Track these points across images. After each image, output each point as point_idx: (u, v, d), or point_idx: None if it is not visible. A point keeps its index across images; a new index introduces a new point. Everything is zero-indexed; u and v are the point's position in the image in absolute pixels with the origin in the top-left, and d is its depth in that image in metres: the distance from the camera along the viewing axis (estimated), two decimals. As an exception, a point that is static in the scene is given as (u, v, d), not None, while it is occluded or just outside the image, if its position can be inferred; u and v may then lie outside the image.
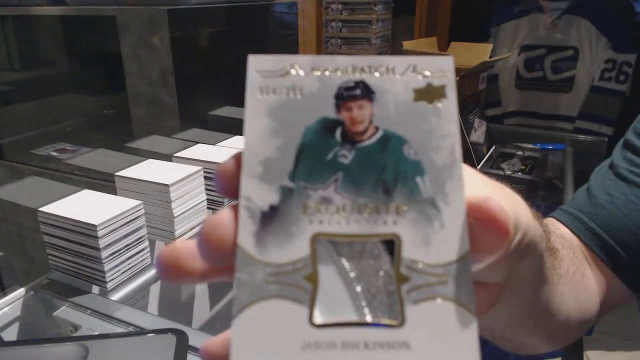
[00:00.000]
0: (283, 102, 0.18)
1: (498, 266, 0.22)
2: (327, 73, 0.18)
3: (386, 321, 0.16)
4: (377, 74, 0.18)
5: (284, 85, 0.18)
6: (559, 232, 0.43)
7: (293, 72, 0.18)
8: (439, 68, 0.18)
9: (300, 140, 0.17)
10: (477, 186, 0.21)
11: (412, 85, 0.18)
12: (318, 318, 0.16)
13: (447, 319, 0.16)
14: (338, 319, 0.16)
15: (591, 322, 0.43)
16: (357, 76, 0.18)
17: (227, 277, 0.17)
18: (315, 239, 0.16)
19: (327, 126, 0.17)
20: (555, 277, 0.33)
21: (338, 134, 0.17)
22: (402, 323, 0.16)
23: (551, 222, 0.45)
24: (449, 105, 0.18)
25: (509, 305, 0.28)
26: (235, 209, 0.17)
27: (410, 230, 0.16)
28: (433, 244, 0.16)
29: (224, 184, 0.18)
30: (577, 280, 0.39)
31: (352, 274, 0.16)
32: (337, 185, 0.17)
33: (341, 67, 0.18)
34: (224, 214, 0.17)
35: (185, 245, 0.17)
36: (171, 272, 0.17)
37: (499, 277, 0.24)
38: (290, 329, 0.15)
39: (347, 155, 0.17)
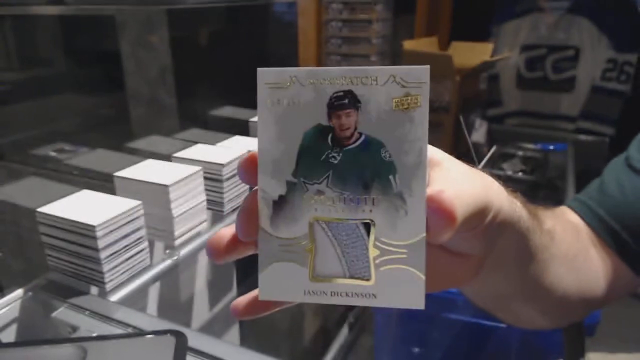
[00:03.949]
0: (286, 111, 0.22)
1: (475, 240, 0.27)
2: (321, 84, 0.22)
3: (361, 279, 0.22)
4: (362, 84, 0.22)
5: (286, 96, 0.22)
6: (566, 218, 0.46)
7: (294, 83, 0.22)
8: (416, 78, 0.21)
9: (300, 143, 0.22)
10: (456, 175, 0.25)
11: (392, 94, 0.21)
12: (314, 275, 0.22)
13: (403, 279, 0.21)
14: (328, 276, 0.22)
15: (597, 303, 0.45)
16: (346, 86, 0.22)
17: (254, 250, 0.24)
18: (312, 222, 0.22)
19: (321, 132, 0.22)
20: (546, 256, 0.36)
21: (329, 138, 0.22)
22: (371, 281, 0.22)
23: (561, 210, 0.48)
24: (421, 113, 0.21)
25: (494, 277, 0.32)
26: (256, 194, 0.22)
27: (382, 217, 0.22)
28: (398, 227, 0.21)
29: (245, 177, 0.23)
30: (579, 262, 0.41)
31: (339, 246, 0.22)
32: (328, 181, 0.22)
33: (333, 78, 0.22)
34: (252, 204, 0.22)
35: (226, 232, 0.24)
36: (219, 253, 0.24)
37: (477, 250, 0.28)
38: (296, 281, 0.22)
39: (336, 157, 0.22)
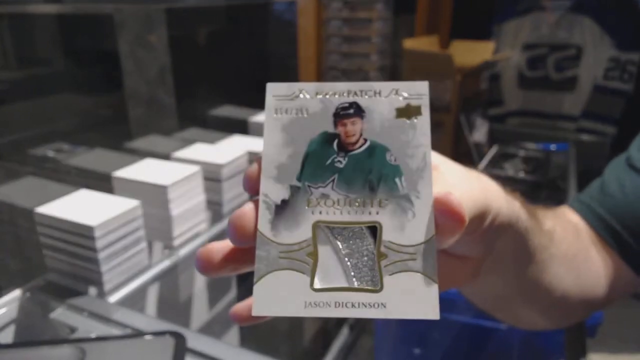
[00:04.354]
0: (293, 120, 0.22)
1: (473, 243, 0.27)
2: (327, 96, 0.22)
3: (368, 287, 0.20)
4: (367, 97, 0.22)
5: (294, 106, 0.22)
6: (567, 218, 0.46)
7: (301, 96, 0.23)
8: (417, 91, 0.22)
9: (305, 149, 0.22)
10: (453, 179, 0.25)
11: (395, 105, 0.22)
12: (317, 284, 0.20)
13: (415, 286, 0.20)
14: (332, 285, 0.20)
15: (598, 304, 0.44)
16: (351, 98, 0.22)
17: (249, 264, 0.22)
18: (316, 225, 0.21)
19: (327, 138, 0.22)
20: (545, 256, 0.36)
21: (335, 144, 0.22)
22: (380, 289, 0.20)
23: (562, 210, 0.48)
24: (423, 121, 0.22)
25: (493, 278, 0.32)
26: (256, 203, 0.21)
27: (389, 219, 0.21)
28: (406, 229, 0.21)
29: (250, 184, 0.22)
30: (579, 262, 0.41)
31: (344, 252, 0.21)
32: (333, 184, 0.21)
33: (339, 91, 0.23)
34: (247, 207, 0.21)
35: (216, 245, 0.22)
36: (207, 266, 0.22)
37: (477, 252, 0.29)
38: (296, 292, 0.20)
39: (342, 161, 0.22)
